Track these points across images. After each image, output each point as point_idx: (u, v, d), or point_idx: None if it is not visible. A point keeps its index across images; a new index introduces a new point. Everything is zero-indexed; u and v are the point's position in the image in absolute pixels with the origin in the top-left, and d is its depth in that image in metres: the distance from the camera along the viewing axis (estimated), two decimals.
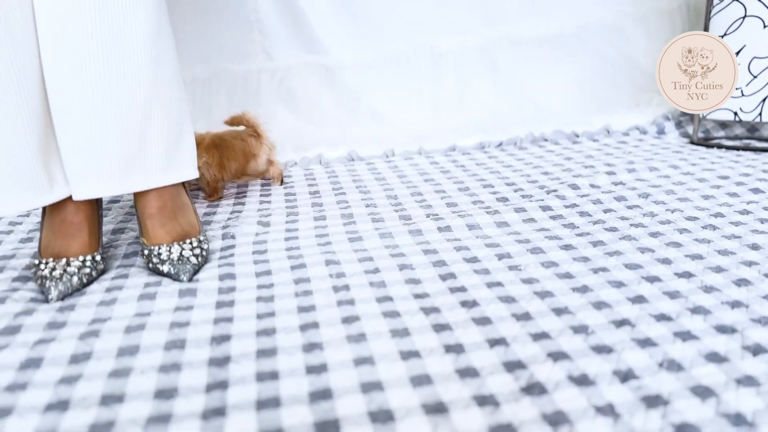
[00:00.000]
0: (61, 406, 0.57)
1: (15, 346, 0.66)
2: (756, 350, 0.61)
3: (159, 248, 0.83)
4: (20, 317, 0.72)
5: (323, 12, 1.58)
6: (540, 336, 0.65)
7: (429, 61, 1.63)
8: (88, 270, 0.80)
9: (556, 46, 1.67)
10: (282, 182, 1.21)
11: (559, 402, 0.55)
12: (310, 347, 0.64)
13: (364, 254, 0.86)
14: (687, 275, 0.77)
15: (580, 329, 0.66)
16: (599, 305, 0.71)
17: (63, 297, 0.77)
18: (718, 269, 0.78)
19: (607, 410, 0.54)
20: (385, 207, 1.06)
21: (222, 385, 0.59)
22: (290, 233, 0.95)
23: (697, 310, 0.69)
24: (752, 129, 1.41)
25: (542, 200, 1.05)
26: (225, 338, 0.66)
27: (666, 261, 0.81)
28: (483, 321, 0.68)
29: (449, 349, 0.63)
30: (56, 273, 0.78)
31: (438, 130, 1.52)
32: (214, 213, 1.06)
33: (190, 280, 0.80)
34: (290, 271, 0.81)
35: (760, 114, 1.35)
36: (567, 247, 0.86)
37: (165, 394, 0.58)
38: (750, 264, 0.79)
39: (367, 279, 0.78)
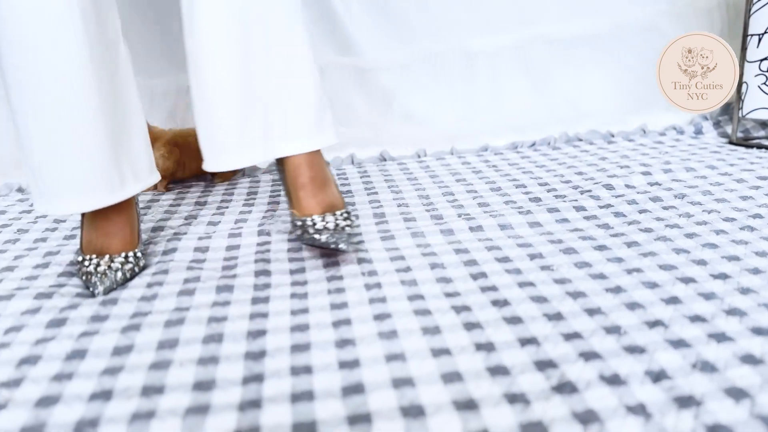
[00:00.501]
0: (104, 395, 0.59)
1: (61, 338, 0.69)
2: None
3: (312, 219, 0.84)
4: (66, 311, 0.75)
5: (356, 13, 1.59)
6: (572, 336, 0.65)
7: (462, 62, 1.63)
8: (130, 266, 0.83)
9: (592, 46, 1.65)
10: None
11: (589, 401, 0.55)
12: (343, 343, 0.65)
13: (396, 253, 0.87)
14: (723, 277, 0.76)
15: (613, 330, 0.66)
16: (632, 306, 0.70)
17: (108, 291, 0.80)
18: (755, 271, 0.77)
19: (639, 410, 0.54)
20: (416, 206, 1.06)
21: (258, 378, 0.60)
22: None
23: (732, 312, 0.68)
24: None
25: (576, 200, 1.04)
26: (260, 333, 0.68)
27: (702, 262, 0.80)
28: (514, 320, 0.68)
29: (480, 347, 0.64)
30: (101, 269, 0.81)
31: (471, 131, 1.52)
32: (250, 212, 1.09)
33: (347, 249, 0.80)
34: (323, 269, 0.83)
35: None
36: (601, 248, 0.86)
37: (203, 386, 0.60)
38: None
39: (399, 277, 0.79)
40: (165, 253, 0.92)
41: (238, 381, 0.60)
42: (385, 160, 1.38)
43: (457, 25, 1.62)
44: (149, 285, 0.81)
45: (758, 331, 0.64)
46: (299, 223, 0.85)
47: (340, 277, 0.80)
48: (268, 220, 1.03)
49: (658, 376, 0.58)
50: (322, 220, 0.83)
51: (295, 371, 0.61)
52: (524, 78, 1.64)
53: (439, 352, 0.63)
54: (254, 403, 0.57)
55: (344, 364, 0.62)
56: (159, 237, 0.98)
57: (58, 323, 0.72)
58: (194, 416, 0.56)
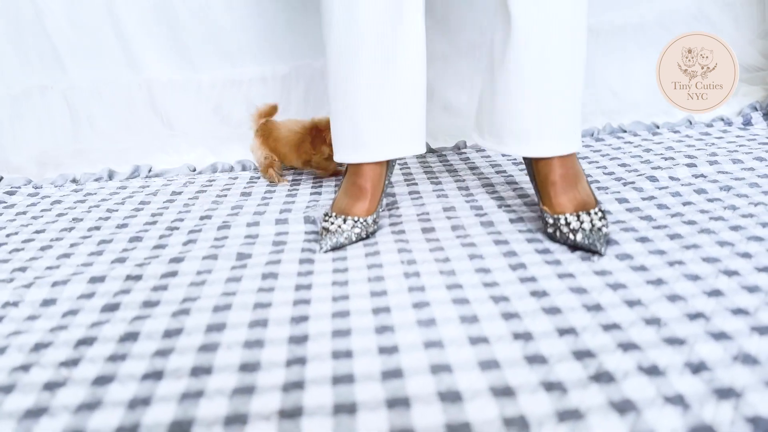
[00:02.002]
0: (155, 375, 0.62)
1: (115, 321, 0.73)
2: None
3: (566, 217, 0.83)
4: (119, 296, 0.79)
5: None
6: (610, 327, 0.65)
7: None
8: (358, 230, 0.90)
9: (638, 35, 1.62)
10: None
11: (627, 391, 0.55)
12: (382, 329, 0.67)
13: (436, 244, 0.88)
14: None
15: (653, 321, 0.66)
16: (673, 298, 0.70)
17: (331, 249, 0.88)
18: None
19: (677, 400, 0.54)
20: (456, 198, 1.07)
21: (300, 361, 0.62)
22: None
23: None
24: None
25: (618, 192, 1.03)
26: (303, 318, 0.70)
27: (746, 255, 0.79)
28: (552, 311, 0.69)
29: (518, 336, 0.64)
30: (333, 227, 0.89)
31: None
32: (293, 202, 1.11)
33: (604, 253, 0.80)
34: (364, 258, 0.85)
35: None
36: (643, 240, 0.85)
37: (249, 367, 0.62)
38: None
39: (438, 267, 0.80)
40: (216, 239, 0.95)
41: (282, 363, 0.63)
42: (425, 151, 1.39)
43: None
44: (199, 272, 0.84)
45: None
46: (551, 221, 0.85)
47: (380, 266, 0.82)
48: (312, 209, 1.06)
49: (697, 368, 0.58)
50: (577, 220, 0.82)
51: (336, 355, 0.63)
52: None
53: (477, 340, 0.64)
54: (297, 385, 0.59)
55: (383, 350, 0.63)
56: (207, 225, 1.02)
57: (111, 307, 0.76)
58: (240, 396, 0.58)
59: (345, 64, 0.89)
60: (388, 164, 0.98)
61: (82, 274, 0.86)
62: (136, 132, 1.59)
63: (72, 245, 0.98)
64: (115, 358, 0.66)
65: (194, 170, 1.38)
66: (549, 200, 0.87)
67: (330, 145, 1.14)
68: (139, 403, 0.58)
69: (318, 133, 1.19)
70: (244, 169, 1.37)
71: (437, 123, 1.53)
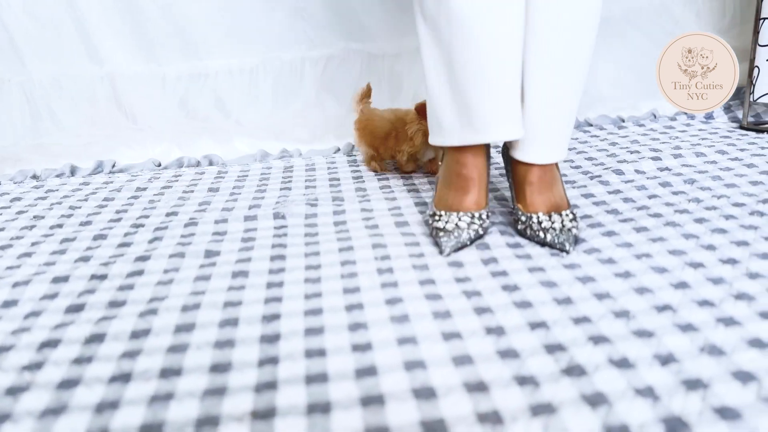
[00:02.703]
0: (123, 378, 0.61)
1: (80, 323, 0.71)
2: None
3: (538, 216, 0.85)
4: (84, 296, 0.77)
5: (368, 1, 1.59)
6: (581, 320, 0.66)
7: None
8: (476, 226, 0.85)
9: (604, 30, 1.64)
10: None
11: (598, 383, 0.56)
12: (356, 326, 0.67)
13: (411, 239, 0.88)
14: (732, 262, 0.76)
15: (622, 314, 0.67)
16: (641, 290, 0.71)
17: (454, 251, 0.83)
18: (764, 256, 0.77)
19: (647, 392, 0.55)
20: (427, 192, 1.07)
21: (273, 360, 0.62)
22: (337, 216, 0.98)
23: (741, 296, 0.69)
24: None
25: (585, 186, 1.05)
26: (275, 317, 0.69)
27: (710, 247, 0.80)
28: (524, 305, 0.69)
29: (490, 331, 0.65)
30: (449, 226, 0.83)
31: None
32: (262, 197, 1.10)
33: (571, 252, 0.81)
34: (338, 253, 0.84)
35: None
36: (610, 233, 0.86)
37: (220, 368, 0.61)
38: None
39: (411, 262, 0.80)
40: (183, 237, 0.93)
41: (254, 363, 0.62)
42: None
43: None
44: (166, 271, 0.82)
45: (766, 316, 0.65)
46: (523, 218, 0.86)
47: (354, 262, 0.81)
48: (281, 204, 1.05)
49: (666, 360, 0.59)
50: (549, 219, 0.84)
51: (309, 354, 0.62)
52: None
53: (450, 336, 0.64)
54: (270, 385, 0.58)
55: (357, 347, 0.63)
56: (174, 222, 1.00)
57: (76, 308, 0.74)
58: (211, 397, 0.57)
59: (451, 35, 0.83)
60: (488, 153, 0.93)
61: (44, 273, 0.83)
62: (99, 126, 1.55)
63: (33, 244, 0.95)
64: (80, 360, 0.64)
65: (159, 165, 1.35)
66: (524, 199, 0.88)
67: (412, 143, 1.10)
68: (107, 406, 0.57)
69: (403, 128, 1.12)
70: (210, 163, 1.34)
71: None
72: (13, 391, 0.59)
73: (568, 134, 0.91)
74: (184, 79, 1.62)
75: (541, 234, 0.83)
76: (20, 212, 1.09)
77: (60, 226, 1.02)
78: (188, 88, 1.62)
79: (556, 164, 0.92)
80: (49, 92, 1.55)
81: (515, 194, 0.91)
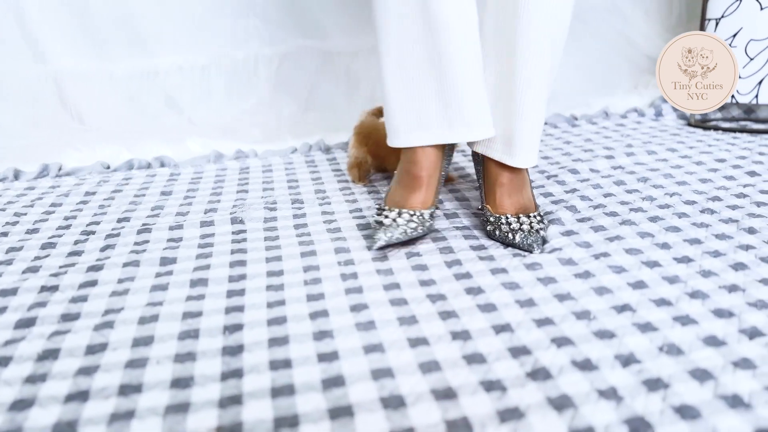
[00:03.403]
0: (81, 396, 0.58)
1: (32, 338, 0.68)
2: (752, 334, 0.63)
3: (507, 217, 0.86)
4: (34, 309, 0.73)
5: None
6: (544, 322, 0.67)
7: None
8: (414, 224, 0.84)
9: None
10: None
11: (563, 386, 0.57)
12: (321, 335, 0.66)
13: (372, 241, 0.87)
14: (686, 260, 0.79)
15: (583, 315, 0.68)
16: (601, 291, 0.72)
17: (385, 245, 0.83)
18: (716, 254, 0.80)
19: (610, 394, 0.56)
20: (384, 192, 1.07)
21: (237, 373, 0.60)
22: (298, 220, 0.96)
23: (695, 295, 0.71)
24: (749, 111, 1.42)
25: (543, 186, 1.06)
26: (237, 327, 0.68)
27: (665, 246, 0.83)
28: (488, 308, 0.70)
29: (456, 336, 0.65)
30: (387, 221, 0.84)
31: None
32: (218, 201, 1.07)
33: (538, 253, 0.82)
34: (300, 259, 0.83)
35: (757, 96, 1.37)
36: (568, 233, 0.88)
37: (182, 383, 0.59)
38: (747, 248, 0.81)
39: (375, 266, 0.80)
40: (136, 244, 0.90)
41: (217, 377, 0.60)
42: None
43: None
44: (120, 280, 0.80)
45: (719, 314, 0.67)
46: (492, 219, 0.87)
47: (317, 267, 0.80)
48: (239, 208, 1.03)
49: (627, 360, 0.60)
50: (518, 221, 0.85)
51: (275, 365, 0.61)
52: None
53: (417, 342, 0.64)
54: (235, 399, 0.57)
55: (323, 357, 0.62)
56: (126, 228, 0.97)
57: (27, 323, 0.71)
58: (174, 414, 0.55)
59: (395, 36, 0.84)
60: (445, 152, 0.93)
61: None
62: (43, 127, 1.49)
63: None
64: (34, 379, 0.61)
65: (108, 168, 1.31)
66: (494, 200, 0.89)
67: None
68: (64, 427, 0.54)
69: None
70: (162, 165, 1.31)
71: None
72: None
73: (538, 134, 0.92)
74: (133, 77, 1.57)
75: (510, 235, 0.84)
76: None
77: (5, 234, 0.97)
78: (137, 87, 1.58)
79: (526, 169, 0.93)
80: None
81: (485, 195, 0.92)
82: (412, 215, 0.86)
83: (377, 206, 0.90)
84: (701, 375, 0.58)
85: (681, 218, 0.91)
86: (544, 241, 0.85)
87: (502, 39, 0.86)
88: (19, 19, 1.45)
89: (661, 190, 1.02)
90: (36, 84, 1.51)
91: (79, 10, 1.48)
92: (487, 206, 0.90)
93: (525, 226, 0.84)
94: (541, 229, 0.85)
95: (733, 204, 0.95)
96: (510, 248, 0.84)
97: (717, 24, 1.37)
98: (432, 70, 0.85)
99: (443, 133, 0.88)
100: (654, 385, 0.57)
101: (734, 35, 1.35)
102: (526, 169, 0.93)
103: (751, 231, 0.86)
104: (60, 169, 1.29)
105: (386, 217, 0.85)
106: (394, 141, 0.91)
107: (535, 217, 0.87)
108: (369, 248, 0.85)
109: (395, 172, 0.94)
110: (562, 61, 1.64)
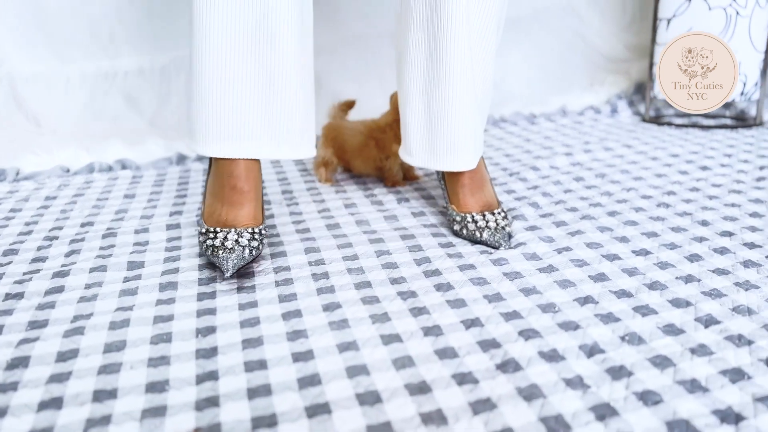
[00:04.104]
0: (54, 403, 0.58)
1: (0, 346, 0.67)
2: (707, 322, 0.67)
3: (473, 215, 0.88)
4: (0, 317, 0.72)
5: None
6: (511, 315, 0.69)
7: (389, 45, 1.65)
8: (256, 243, 0.80)
9: (514, 28, 1.70)
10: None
11: (532, 377, 0.59)
12: (295, 335, 0.67)
13: (343, 240, 0.88)
14: (644, 252, 0.82)
15: (548, 308, 0.70)
16: (564, 284, 0.75)
17: (237, 270, 0.77)
18: (672, 246, 0.84)
19: (576, 383, 0.58)
20: (355, 192, 1.08)
21: (212, 375, 0.61)
22: (266, 221, 0.96)
23: (653, 286, 0.74)
24: None
25: (506, 183, 1.09)
26: (210, 330, 0.68)
27: (624, 239, 0.86)
28: (457, 303, 0.72)
29: (428, 331, 0.67)
30: (228, 244, 0.78)
31: None
32: (183, 203, 1.07)
33: (506, 249, 0.84)
34: (270, 260, 0.83)
35: None
36: (532, 228, 0.91)
37: (157, 387, 0.60)
38: (701, 240, 0.85)
39: (346, 266, 0.81)
40: (102, 249, 0.89)
41: (192, 380, 0.60)
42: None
43: (383, 8, 1.63)
44: (88, 286, 0.79)
45: (677, 303, 0.70)
46: (458, 218, 0.89)
47: (288, 268, 0.81)
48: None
49: (591, 350, 0.63)
50: (483, 219, 0.87)
51: (250, 366, 0.62)
52: None
53: (390, 339, 0.65)
54: (211, 401, 0.57)
55: (298, 357, 0.63)
56: (90, 233, 0.95)
57: None
58: (152, 418, 0.56)
59: (221, 47, 0.80)
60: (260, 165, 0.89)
61: None
62: None
63: None
64: (4, 388, 0.60)
65: (68, 171, 1.29)
66: (457, 200, 0.91)
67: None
68: None
69: (384, 133, 1.06)
70: (123, 168, 1.29)
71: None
72: None
73: (483, 129, 0.95)
74: (90, 79, 1.54)
75: (477, 233, 0.86)
76: None
77: None
78: (95, 88, 1.55)
79: (484, 165, 0.95)
80: None
81: (449, 195, 0.94)
82: (252, 233, 0.81)
83: (200, 229, 0.83)
84: (661, 362, 0.61)
85: (638, 212, 0.94)
86: (510, 236, 0.87)
87: (428, 51, 0.87)
88: None
89: (619, 185, 1.06)
90: None
91: (34, 11, 1.45)
92: (452, 206, 0.92)
93: (491, 224, 0.87)
94: (506, 225, 0.88)
95: (687, 198, 1.00)
96: (477, 245, 0.86)
97: (668, 23, 1.43)
98: (262, 85, 0.82)
99: (268, 149, 0.85)
100: (617, 373, 0.59)
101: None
102: (485, 166, 0.96)
103: (704, 223, 0.90)
104: (18, 173, 1.26)
105: (225, 239, 0.79)
106: (207, 149, 0.85)
107: (499, 213, 0.89)
108: (222, 274, 0.78)
109: (209, 186, 0.88)
110: (522, 60, 1.69)
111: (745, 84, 1.40)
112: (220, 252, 0.78)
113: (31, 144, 1.37)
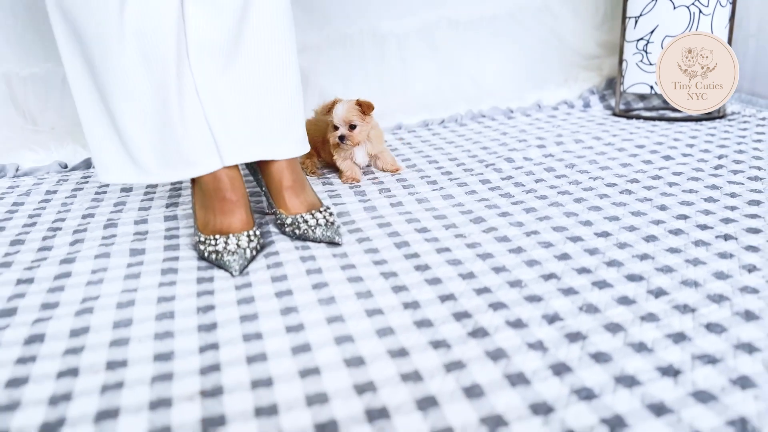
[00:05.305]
0: (71, 372, 0.64)
1: (15, 326, 0.73)
2: (658, 293, 0.75)
3: (303, 216, 0.92)
4: (14, 300, 0.79)
5: None
6: (482, 290, 0.76)
7: (373, 43, 1.71)
8: (254, 244, 0.87)
9: (492, 27, 1.78)
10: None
11: (498, 342, 0.66)
12: (287, 311, 0.74)
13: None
14: (605, 234, 0.90)
15: (515, 283, 0.78)
16: (531, 263, 0.83)
17: (242, 270, 0.84)
18: (631, 228, 0.91)
19: (537, 346, 0.65)
20: (339, 185, 1.15)
21: (214, 346, 0.68)
22: (258, 219, 1.03)
23: (612, 263, 0.82)
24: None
25: (482, 174, 1.16)
26: (210, 308, 0.75)
27: (588, 223, 0.94)
28: (435, 281, 0.79)
29: (407, 306, 0.74)
30: (230, 247, 0.85)
31: (384, 109, 1.61)
32: (179, 195, 1.13)
33: (341, 242, 0.90)
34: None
35: None
36: (504, 215, 0.98)
37: (163, 357, 0.66)
38: (658, 223, 0.93)
39: (330, 251, 0.88)
40: (104, 238, 0.96)
41: (196, 350, 0.67)
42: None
43: (367, 7, 1.69)
44: (94, 271, 0.85)
45: (631, 278, 0.78)
46: (289, 221, 0.93)
47: (276, 253, 0.88)
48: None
49: (552, 318, 0.70)
50: (313, 217, 0.92)
51: (247, 337, 0.69)
52: (431, 58, 1.75)
53: (373, 312, 0.73)
54: (214, 367, 0.64)
55: (290, 328, 0.70)
56: (92, 224, 1.02)
57: (8, 312, 0.76)
58: (161, 383, 0.62)
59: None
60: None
61: None
62: None
63: None
64: (24, 360, 0.67)
65: (66, 167, 1.34)
66: (284, 203, 0.95)
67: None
68: (60, 399, 0.60)
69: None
70: None
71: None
72: None
73: (303, 126, 0.99)
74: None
75: (310, 231, 0.91)
76: None
77: None
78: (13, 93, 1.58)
79: (300, 168, 1.00)
80: None
81: (274, 199, 0.97)
82: (250, 236, 0.87)
83: (199, 239, 0.89)
84: (614, 328, 0.68)
85: (602, 199, 1.02)
86: (339, 230, 0.92)
87: (234, 46, 0.89)
88: None
89: (586, 174, 1.14)
90: None
91: (31, 13, 1.50)
92: (280, 210, 0.95)
93: (321, 221, 0.92)
94: (335, 221, 0.93)
95: (649, 185, 1.08)
96: (450, 230, 0.93)
97: (636, 22, 1.50)
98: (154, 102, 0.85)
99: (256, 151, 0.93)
100: (574, 337, 0.67)
101: (651, 32, 1.49)
102: (303, 171, 1.01)
103: (663, 208, 0.98)
104: (17, 169, 1.31)
105: (226, 244, 0.85)
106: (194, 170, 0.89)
107: (326, 210, 0.94)
108: (233, 275, 0.83)
109: (197, 199, 0.94)
110: (499, 57, 1.76)
111: None
112: (225, 255, 0.84)
113: (28, 142, 1.43)
